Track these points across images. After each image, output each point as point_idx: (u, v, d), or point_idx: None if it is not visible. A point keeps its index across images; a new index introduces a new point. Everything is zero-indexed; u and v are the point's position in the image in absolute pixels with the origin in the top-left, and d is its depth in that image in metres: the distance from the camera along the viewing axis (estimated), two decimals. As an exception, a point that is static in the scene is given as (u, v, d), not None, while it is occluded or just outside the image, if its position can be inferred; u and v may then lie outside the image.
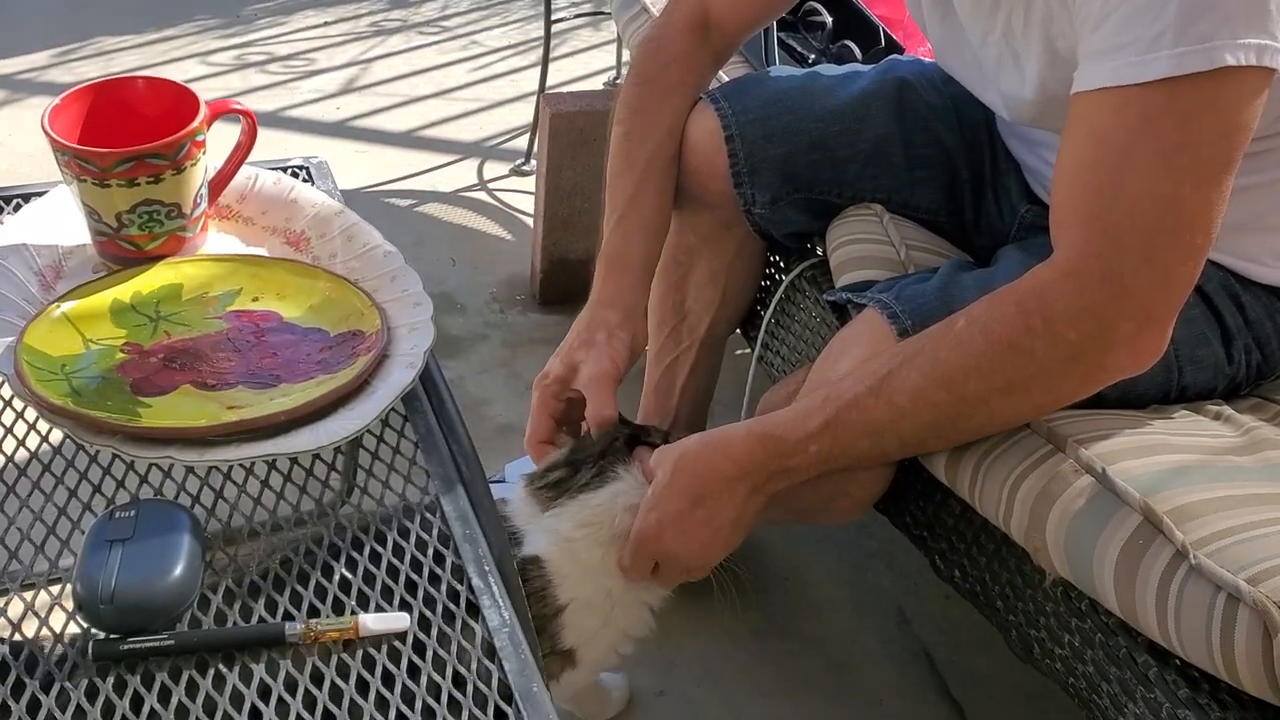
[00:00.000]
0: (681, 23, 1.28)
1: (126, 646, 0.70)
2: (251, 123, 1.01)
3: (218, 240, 1.03)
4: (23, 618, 0.72)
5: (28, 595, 0.74)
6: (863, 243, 1.21)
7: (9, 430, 0.86)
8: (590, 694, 1.31)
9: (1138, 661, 0.91)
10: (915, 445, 1.00)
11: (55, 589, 0.75)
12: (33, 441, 0.86)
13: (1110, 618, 0.94)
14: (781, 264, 1.42)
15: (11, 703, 0.67)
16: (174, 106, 0.95)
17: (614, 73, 2.63)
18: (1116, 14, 0.88)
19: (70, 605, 0.72)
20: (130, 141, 0.91)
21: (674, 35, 1.28)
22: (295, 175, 1.16)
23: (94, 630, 0.71)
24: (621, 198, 1.23)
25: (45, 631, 0.72)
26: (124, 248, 0.96)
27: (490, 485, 1.45)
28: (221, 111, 0.97)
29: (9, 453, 0.84)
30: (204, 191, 0.97)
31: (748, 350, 1.46)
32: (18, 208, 1.07)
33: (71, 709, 0.67)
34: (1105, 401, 1.02)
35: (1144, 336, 0.92)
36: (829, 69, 1.33)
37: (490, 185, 2.39)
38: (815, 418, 0.97)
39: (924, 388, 0.94)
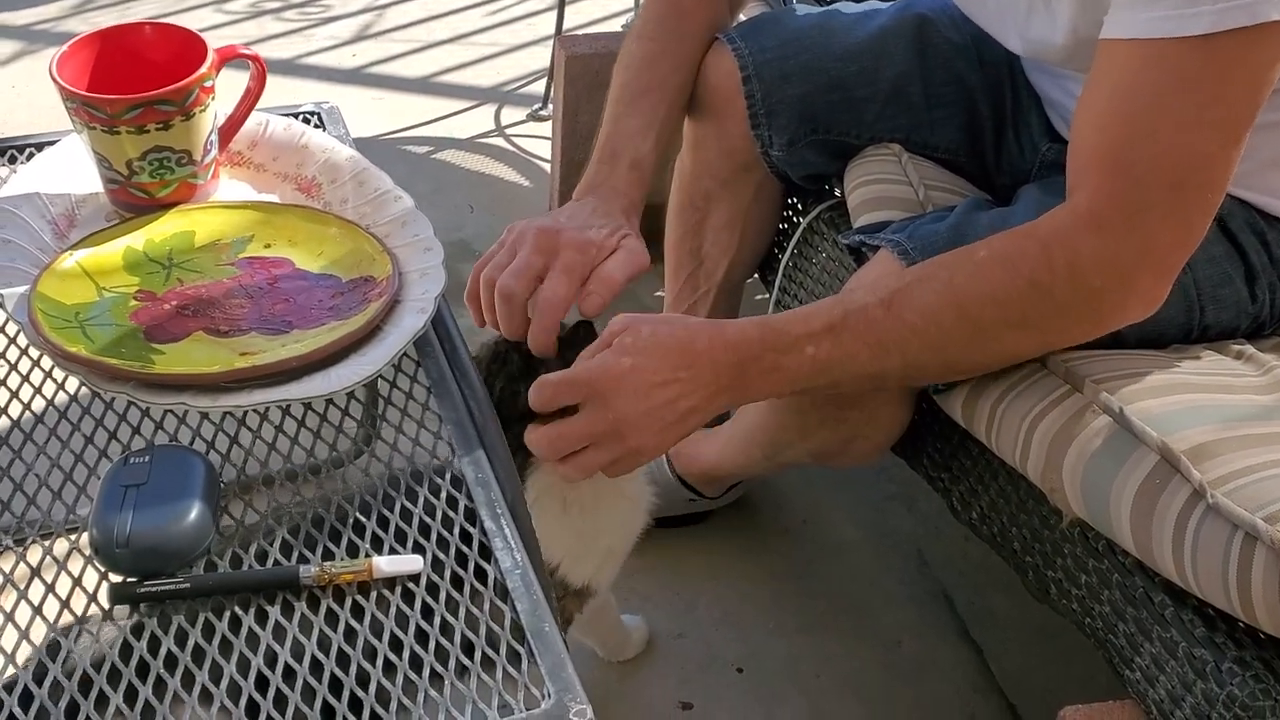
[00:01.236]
0: None
1: (143, 590, 0.71)
2: (260, 68, 1.00)
3: (229, 187, 1.02)
4: (41, 563, 0.73)
5: (46, 541, 0.75)
6: (881, 183, 1.20)
7: (25, 378, 0.87)
8: (612, 632, 1.32)
9: (1154, 601, 0.91)
10: (916, 368, 0.96)
11: (74, 536, 0.76)
12: (49, 389, 0.86)
13: (1127, 558, 0.93)
14: (799, 206, 1.40)
15: (31, 645, 0.68)
16: (182, 52, 0.94)
17: (632, 14, 2.60)
18: None
19: (88, 551, 0.73)
20: (139, 88, 0.90)
21: None
22: (307, 121, 1.15)
23: (111, 574, 0.72)
24: (624, 96, 1.17)
25: (64, 577, 0.73)
26: (135, 195, 0.95)
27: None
28: (230, 57, 0.96)
29: (26, 400, 0.85)
30: (214, 138, 0.97)
31: (766, 295, 1.45)
32: (30, 157, 1.07)
33: (89, 652, 0.68)
34: (1125, 341, 1.01)
35: (1158, 287, 0.92)
36: (848, 6, 1.31)
37: (507, 131, 2.38)
38: (819, 318, 0.94)
39: (937, 308, 0.92)
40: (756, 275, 1.49)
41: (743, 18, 1.34)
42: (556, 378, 0.91)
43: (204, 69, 0.92)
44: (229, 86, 0.99)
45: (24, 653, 0.68)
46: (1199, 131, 0.86)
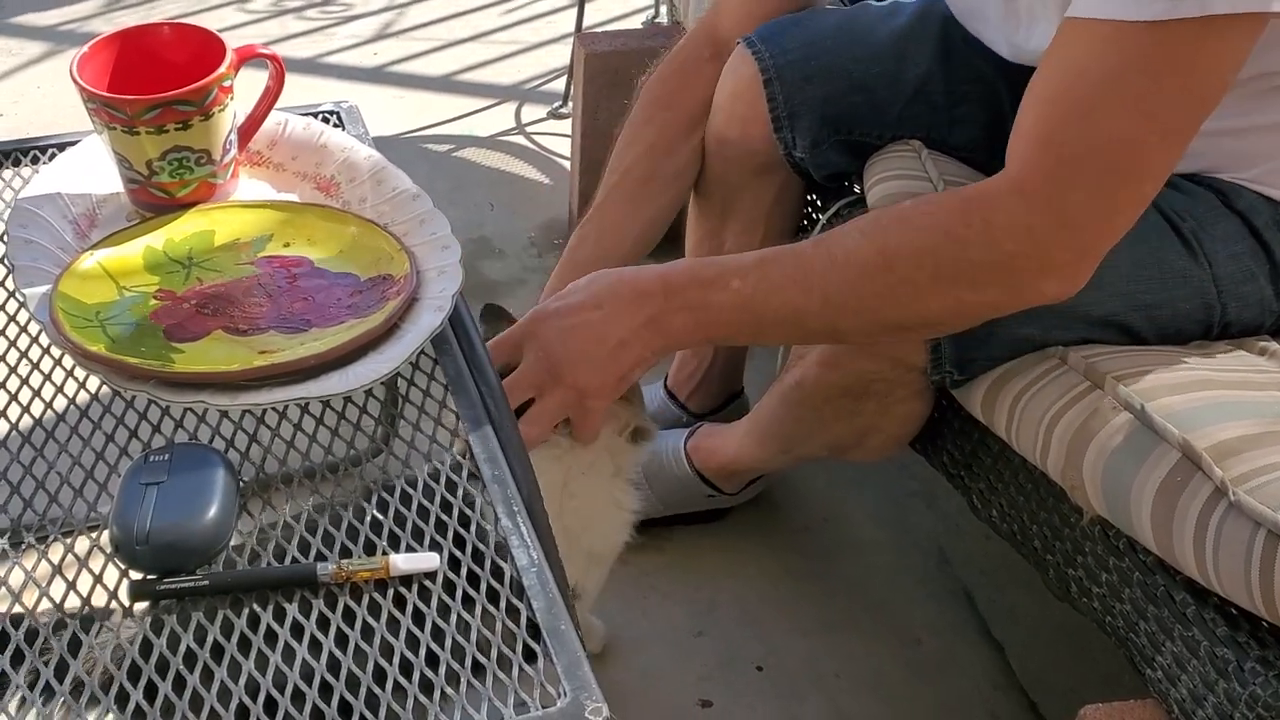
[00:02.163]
0: (690, 40, 1.30)
1: (163, 587, 0.71)
2: (279, 67, 1.01)
3: (249, 186, 1.03)
4: (63, 560, 0.74)
5: (68, 539, 0.76)
6: (900, 179, 1.19)
7: (48, 377, 0.87)
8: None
9: (1176, 600, 0.91)
10: (835, 309, 0.96)
11: (95, 534, 0.77)
12: (70, 388, 0.87)
13: (1148, 556, 0.93)
14: (819, 202, 1.40)
15: (54, 641, 0.69)
16: (201, 53, 0.94)
17: (652, 11, 2.59)
18: None
19: (109, 548, 0.74)
20: (159, 88, 0.91)
21: (681, 52, 1.30)
22: (326, 120, 1.15)
23: (131, 571, 0.73)
24: (595, 200, 1.23)
25: (85, 574, 0.73)
26: (155, 195, 0.96)
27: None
28: (248, 57, 0.97)
29: (48, 399, 0.86)
30: (233, 137, 0.97)
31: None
32: (53, 157, 1.07)
33: (110, 648, 0.69)
34: (1145, 338, 1.00)
35: (1077, 267, 0.91)
36: (871, 5, 1.31)
37: (528, 129, 2.38)
38: (752, 255, 0.96)
39: (860, 247, 0.94)
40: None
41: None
42: (497, 338, 0.94)
43: (222, 69, 0.92)
44: (249, 86, 1.00)
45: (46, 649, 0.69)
46: (1135, 119, 0.86)
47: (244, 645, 0.69)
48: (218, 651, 0.69)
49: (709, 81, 1.27)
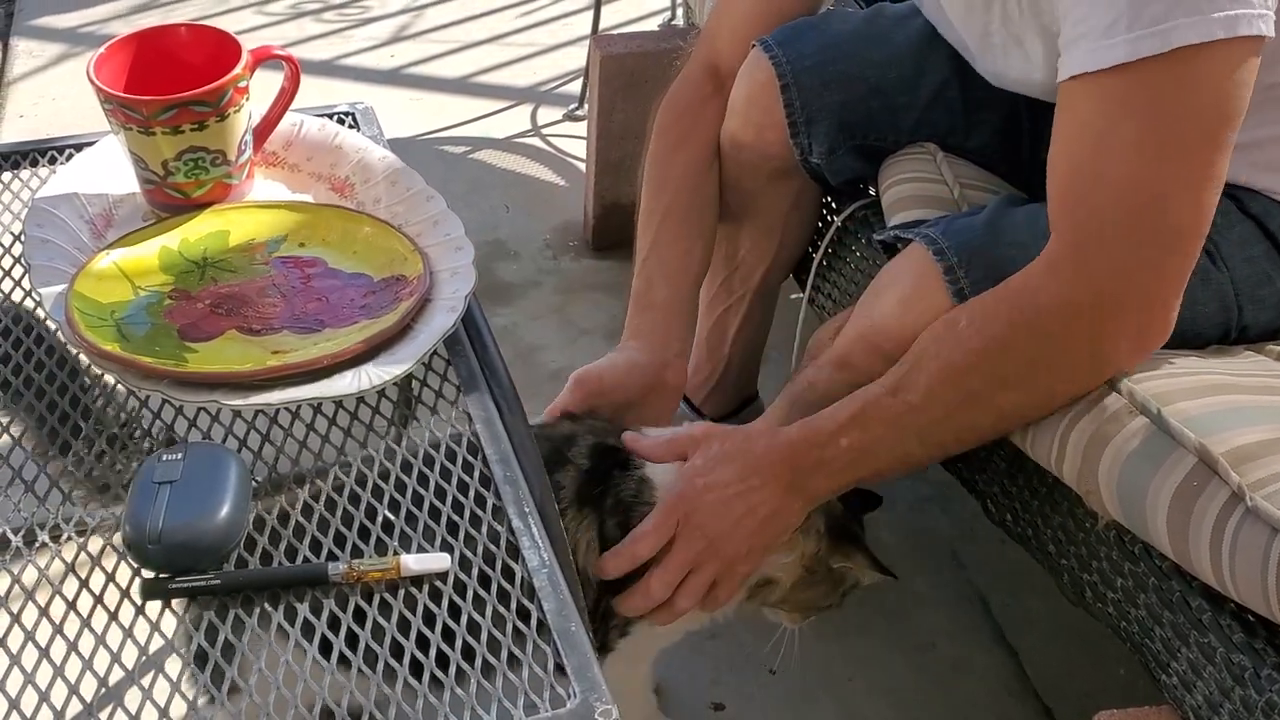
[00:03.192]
0: (692, 75, 1.30)
1: (174, 586, 0.72)
2: (294, 69, 1.01)
3: (264, 187, 1.03)
4: (76, 559, 0.74)
5: (81, 538, 0.76)
6: (916, 182, 1.19)
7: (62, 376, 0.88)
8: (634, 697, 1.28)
9: (1192, 606, 0.90)
10: (935, 444, 1.00)
11: (108, 533, 0.77)
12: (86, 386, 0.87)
13: (1164, 561, 0.92)
14: (833, 205, 1.40)
15: (66, 640, 0.69)
16: (217, 54, 0.95)
17: (669, 14, 2.59)
18: (1080, 3, 0.87)
19: (121, 547, 0.74)
20: (174, 89, 0.91)
21: (685, 88, 1.30)
22: (341, 121, 1.16)
23: (143, 570, 0.73)
24: (644, 242, 1.25)
25: (98, 573, 0.74)
26: (171, 195, 0.97)
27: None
28: (264, 58, 0.97)
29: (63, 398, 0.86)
30: (248, 138, 0.98)
31: (800, 294, 1.44)
32: (70, 157, 1.08)
33: (121, 646, 0.69)
34: (1162, 342, 0.99)
35: (1142, 322, 0.91)
36: (888, 8, 1.30)
37: (544, 131, 2.38)
38: (845, 410, 0.99)
39: (932, 385, 0.96)
40: (791, 275, 1.49)
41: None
42: (649, 524, 0.99)
43: (238, 70, 0.93)
44: (265, 88, 1.00)
45: (58, 648, 0.69)
46: (1139, 164, 0.86)
47: (255, 644, 0.69)
48: (229, 650, 0.69)
49: (716, 118, 1.29)
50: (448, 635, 0.70)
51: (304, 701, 0.66)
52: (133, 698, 0.66)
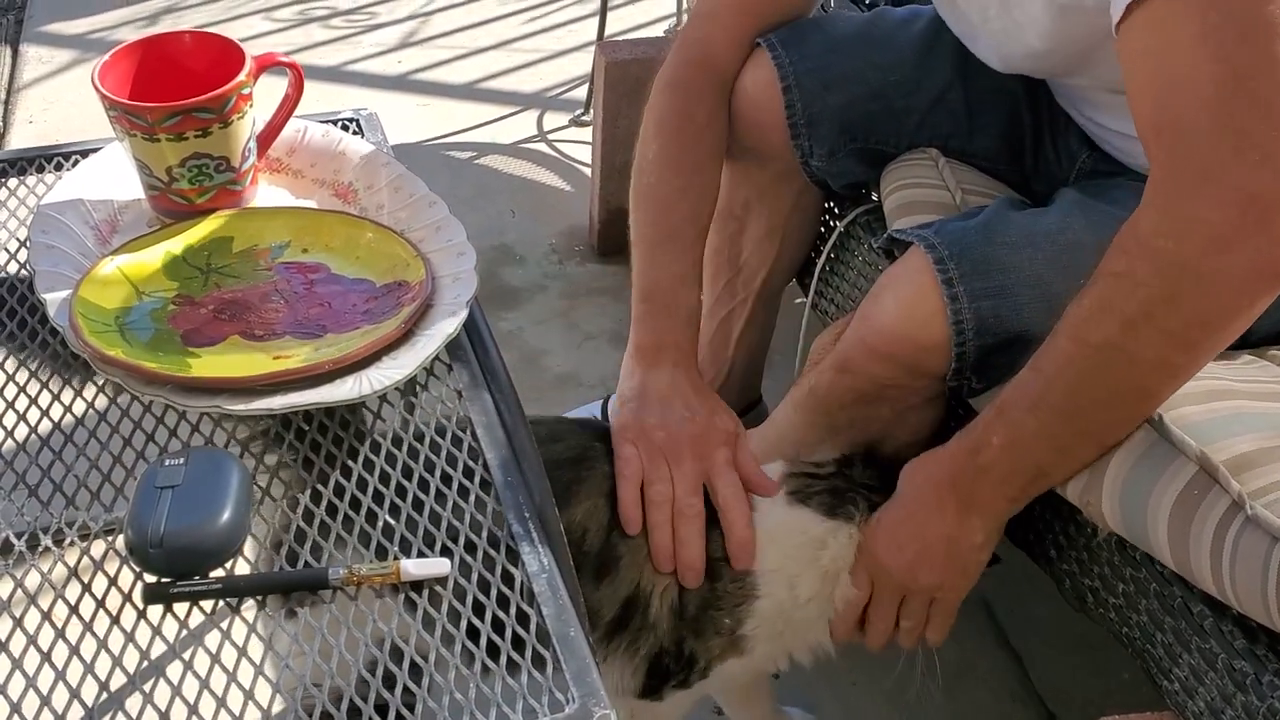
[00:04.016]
0: (687, 84, 1.21)
1: (176, 590, 0.72)
2: (298, 75, 1.02)
3: (268, 193, 1.04)
4: (78, 564, 0.75)
5: (83, 542, 0.76)
6: (918, 187, 1.19)
7: (67, 381, 0.88)
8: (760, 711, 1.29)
9: (1193, 612, 0.90)
10: (1076, 414, 0.91)
11: (111, 537, 0.77)
12: (89, 392, 0.88)
13: (1165, 568, 0.92)
14: (836, 210, 1.40)
15: (67, 644, 0.70)
16: (221, 60, 0.95)
17: (674, 20, 2.60)
18: None
19: (124, 552, 0.74)
20: (179, 96, 0.92)
21: (680, 94, 1.21)
22: (345, 128, 1.16)
23: (145, 574, 0.73)
24: (655, 242, 1.17)
25: (100, 577, 0.74)
26: (175, 201, 0.97)
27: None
28: (268, 64, 0.98)
29: (67, 403, 0.87)
30: (252, 145, 0.98)
31: (803, 299, 1.44)
32: (75, 163, 1.09)
33: (123, 651, 0.69)
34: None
35: (1262, 218, 0.80)
36: (890, 11, 1.30)
37: (550, 136, 2.39)
38: (987, 410, 0.96)
39: (1058, 346, 0.90)
40: (794, 280, 1.49)
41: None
42: (849, 589, 1.02)
43: (241, 76, 0.93)
44: (271, 94, 1.00)
45: (60, 652, 0.69)
46: (1218, 55, 0.80)
47: (255, 648, 0.70)
48: (229, 654, 0.69)
49: (721, 128, 1.23)
50: (447, 640, 0.70)
51: (303, 706, 0.67)
52: (134, 702, 0.66)
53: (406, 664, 0.69)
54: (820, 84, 1.20)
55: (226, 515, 0.74)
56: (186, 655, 0.69)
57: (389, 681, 0.68)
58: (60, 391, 0.87)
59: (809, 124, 1.21)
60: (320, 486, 0.80)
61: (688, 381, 1.11)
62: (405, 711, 0.66)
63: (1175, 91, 0.83)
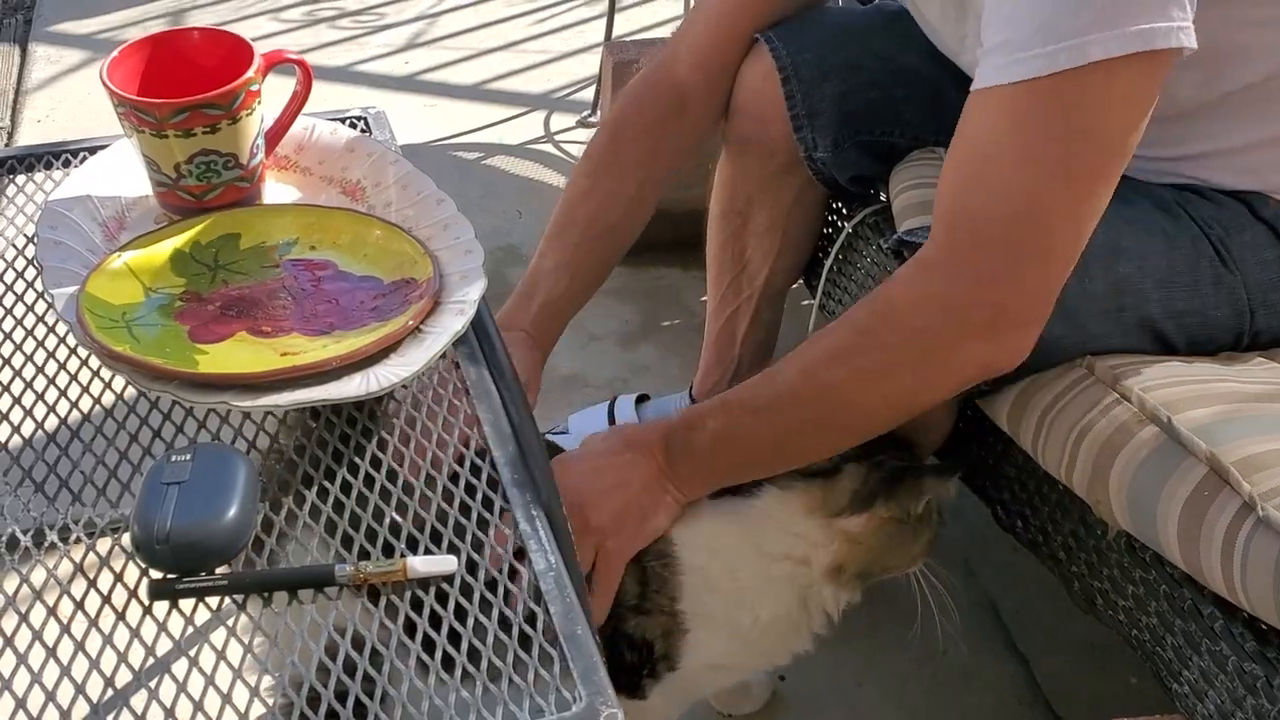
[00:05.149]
0: (651, 97, 1.25)
1: (182, 586, 0.72)
2: (306, 73, 1.01)
3: (276, 190, 1.04)
4: (84, 560, 0.74)
5: (90, 539, 0.76)
6: (927, 187, 1.19)
7: (74, 377, 0.88)
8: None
9: (1203, 614, 0.89)
10: (787, 433, 0.99)
11: (117, 533, 0.77)
12: (96, 388, 0.87)
13: (1175, 569, 0.92)
14: (844, 210, 1.39)
15: (73, 640, 0.69)
16: (229, 57, 0.95)
17: (681, 21, 2.60)
18: (999, 12, 0.87)
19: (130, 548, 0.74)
20: (187, 92, 0.92)
21: (641, 105, 1.25)
22: (353, 126, 1.16)
23: (151, 570, 0.73)
24: (561, 241, 1.23)
25: (106, 573, 0.74)
26: (183, 198, 0.97)
27: (554, 437, 1.46)
28: (276, 62, 0.98)
29: (74, 399, 0.87)
30: (260, 142, 0.98)
31: (811, 300, 1.44)
32: (84, 160, 1.09)
33: (128, 646, 0.69)
34: (1174, 347, 0.99)
35: (1001, 331, 0.91)
36: (889, 4, 1.30)
37: (557, 137, 2.39)
38: (715, 398, 1.02)
39: (789, 373, 0.97)
40: (801, 281, 1.49)
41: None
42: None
43: (250, 73, 0.93)
44: (279, 92, 1.00)
45: (65, 648, 0.69)
46: (1029, 170, 0.87)
47: (262, 645, 0.69)
48: (235, 651, 0.69)
49: (681, 141, 1.26)
50: (453, 638, 0.70)
51: (308, 703, 0.66)
52: (139, 699, 0.66)
53: (412, 662, 0.68)
54: (818, 73, 1.20)
55: (233, 512, 0.74)
56: (192, 652, 0.69)
57: (395, 680, 0.67)
58: (67, 387, 0.87)
59: (810, 115, 1.21)
60: (327, 483, 0.80)
61: (517, 359, 1.08)
62: (412, 709, 0.66)
63: (984, 195, 0.89)
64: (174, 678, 0.67)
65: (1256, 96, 0.99)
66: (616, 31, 2.32)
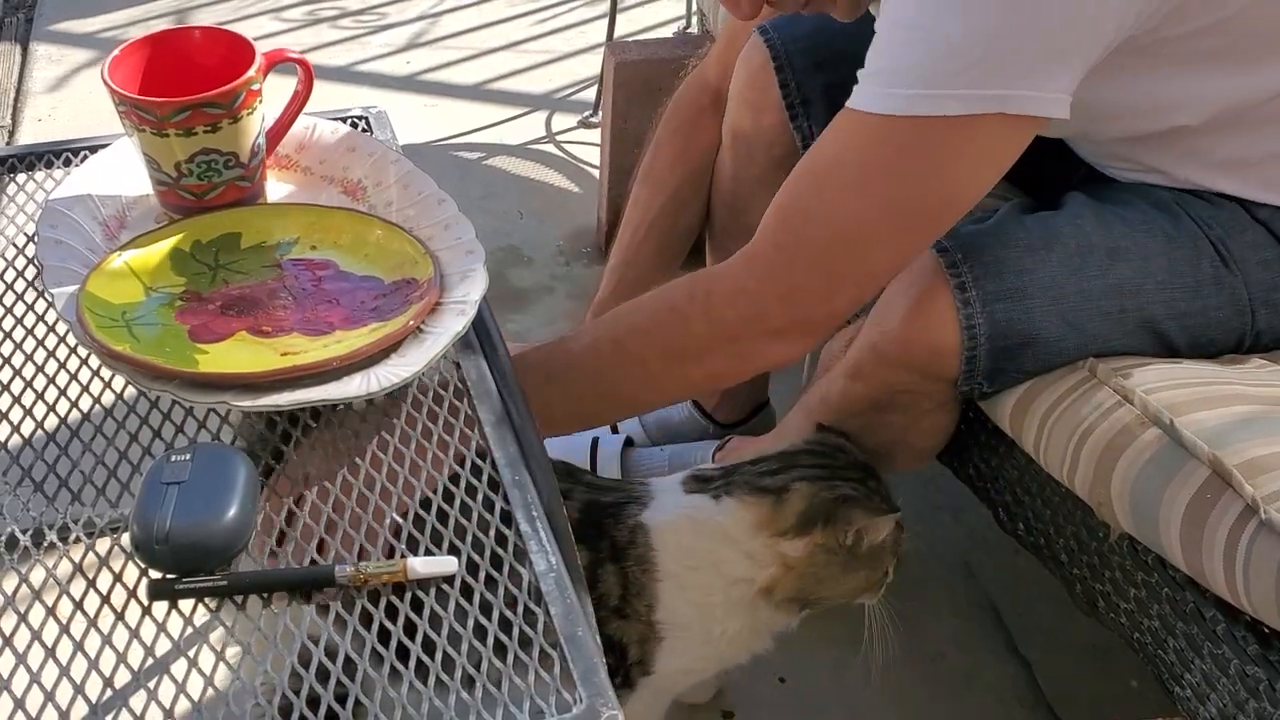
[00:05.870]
0: (688, 96, 1.37)
1: (181, 586, 0.71)
2: (308, 72, 1.01)
3: (276, 190, 1.03)
4: (83, 559, 0.74)
5: (90, 539, 0.76)
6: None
7: (74, 376, 0.88)
8: None
9: (1206, 617, 0.89)
10: (601, 397, 1.04)
11: (117, 533, 0.77)
12: (96, 387, 0.87)
13: (1177, 572, 0.91)
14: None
15: (73, 640, 0.69)
16: (230, 57, 0.95)
17: (684, 21, 2.59)
18: (885, 37, 0.90)
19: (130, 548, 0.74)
20: (188, 91, 0.92)
21: (682, 108, 1.37)
22: (354, 125, 1.16)
23: (150, 570, 0.73)
24: (622, 246, 1.36)
25: (105, 573, 0.74)
26: (184, 197, 0.97)
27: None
28: (277, 61, 0.97)
29: (74, 398, 0.86)
30: (261, 141, 0.98)
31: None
32: (84, 159, 1.08)
33: (127, 647, 0.69)
34: (1175, 349, 0.99)
35: (800, 337, 0.97)
36: None
37: (558, 138, 2.39)
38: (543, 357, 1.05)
39: (601, 340, 1.02)
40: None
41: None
42: None
43: (251, 72, 0.93)
44: (280, 92, 1.00)
45: (65, 648, 0.69)
46: (863, 199, 0.90)
47: (261, 646, 0.69)
48: (234, 652, 0.69)
49: (713, 132, 1.34)
50: (454, 639, 0.69)
51: (308, 704, 0.66)
52: (139, 699, 0.66)
53: (412, 663, 0.68)
54: (811, 62, 1.21)
55: (233, 512, 0.73)
56: (191, 652, 0.69)
57: (395, 680, 0.67)
58: (67, 387, 0.87)
59: (804, 102, 1.22)
60: (328, 483, 0.80)
61: None
62: (412, 711, 0.66)
63: (817, 205, 0.93)
64: (173, 678, 0.67)
65: (1225, 122, 1.00)
66: (618, 32, 2.32)
